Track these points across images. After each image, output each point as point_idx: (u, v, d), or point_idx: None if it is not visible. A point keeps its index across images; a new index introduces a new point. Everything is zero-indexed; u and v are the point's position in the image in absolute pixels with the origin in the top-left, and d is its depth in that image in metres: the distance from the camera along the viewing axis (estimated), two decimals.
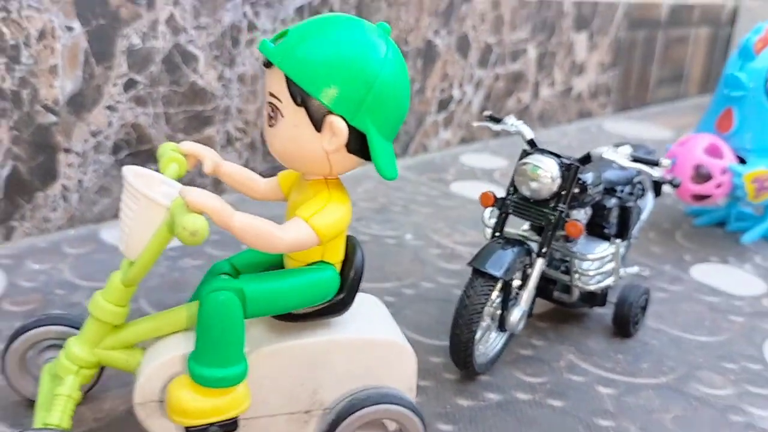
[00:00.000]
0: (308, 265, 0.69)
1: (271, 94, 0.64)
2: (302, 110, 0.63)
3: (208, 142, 1.44)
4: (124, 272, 0.69)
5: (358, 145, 0.64)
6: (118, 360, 0.71)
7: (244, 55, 1.45)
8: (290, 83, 0.62)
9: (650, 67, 2.74)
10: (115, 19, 1.24)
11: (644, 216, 1.18)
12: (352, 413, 0.71)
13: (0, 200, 1.19)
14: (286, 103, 0.63)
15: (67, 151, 1.25)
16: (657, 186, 1.24)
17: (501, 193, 1.01)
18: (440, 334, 1.05)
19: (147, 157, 1.36)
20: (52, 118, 1.22)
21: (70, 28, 1.19)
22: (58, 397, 0.69)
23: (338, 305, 0.72)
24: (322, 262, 0.69)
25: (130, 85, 1.30)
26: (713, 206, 1.60)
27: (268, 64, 0.64)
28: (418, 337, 1.04)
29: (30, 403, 0.82)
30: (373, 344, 0.74)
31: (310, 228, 0.64)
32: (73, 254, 1.21)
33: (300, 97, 0.62)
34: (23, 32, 1.14)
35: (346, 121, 0.62)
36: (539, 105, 2.29)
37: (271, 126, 0.65)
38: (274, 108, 0.64)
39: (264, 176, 0.77)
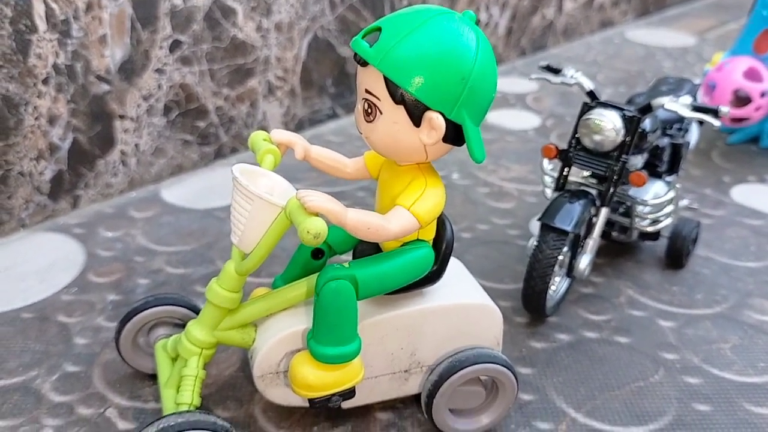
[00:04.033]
0: (405, 244, 0.74)
1: (368, 92, 0.67)
2: (401, 108, 0.65)
3: (251, 93, 1.46)
4: (237, 262, 0.74)
5: (453, 134, 0.68)
6: (235, 338, 0.77)
7: (279, 3, 1.44)
8: (389, 82, 0.65)
9: None
10: None
11: (691, 147, 1.21)
12: (454, 374, 0.78)
13: (64, 171, 1.23)
14: (385, 101, 0.66)
15: (122, 117, 1.28)
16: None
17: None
18: (504, 278, 1.11)
19: (196, 114, 1.38)
20: (106, 87, 1.23)
21: None
22: (186, 378, 0.75)
23: (432, 277, 0.77)
24: (418, 240, 0.74)
25: (175, 46, 1.30)
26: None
27: (363, 63, 0.67)
28: (483, 282, 1.09)
29: (142, 375, 0.90)
30: (463, 308, 0.80)
31: (413, 216, 0.69)
32: (141, 218, 1.26)
33: (399, 95, 0.65)
34: (71, 6, 1.14)
35: (444, 116, 0.66)
36: (563, 20, 2.27)
37: (368, 122, 0.68)
38: (371, 105, 0.67)
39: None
